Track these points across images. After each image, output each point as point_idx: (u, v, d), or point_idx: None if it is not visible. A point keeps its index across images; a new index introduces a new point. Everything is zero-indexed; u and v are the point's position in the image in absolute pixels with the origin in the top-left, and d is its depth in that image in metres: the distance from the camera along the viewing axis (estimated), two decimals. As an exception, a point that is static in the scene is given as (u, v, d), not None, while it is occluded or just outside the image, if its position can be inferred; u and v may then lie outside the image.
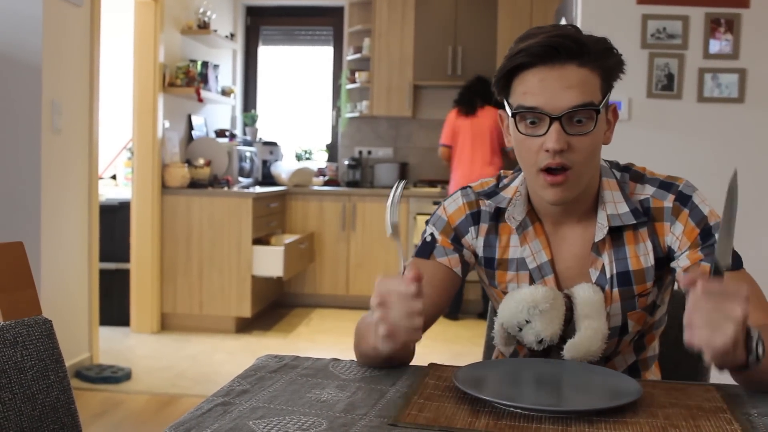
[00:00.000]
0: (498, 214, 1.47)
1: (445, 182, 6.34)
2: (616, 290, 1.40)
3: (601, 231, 1.39)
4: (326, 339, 5.12)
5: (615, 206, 1.40)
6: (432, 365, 1.34)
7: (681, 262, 1.37)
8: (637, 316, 1.43)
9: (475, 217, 1.49)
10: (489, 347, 1.82)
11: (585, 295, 1.38)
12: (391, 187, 5.04)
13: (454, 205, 1.50)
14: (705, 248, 1.36)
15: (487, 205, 1.48)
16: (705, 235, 1.36)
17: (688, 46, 3.58)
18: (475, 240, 1.49)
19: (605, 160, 1.45)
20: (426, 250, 1.48)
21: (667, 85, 3.60)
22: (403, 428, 1.03)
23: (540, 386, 1.24)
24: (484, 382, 1.20)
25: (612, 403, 1.11)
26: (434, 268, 1.46)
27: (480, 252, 1.49)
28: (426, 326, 1.40)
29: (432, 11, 6.26)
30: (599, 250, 1.41)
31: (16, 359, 1.11)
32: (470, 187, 1.52)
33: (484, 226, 1.48)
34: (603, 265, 1.41)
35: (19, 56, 3.59)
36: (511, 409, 1.09)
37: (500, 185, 1.51)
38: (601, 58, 1.31)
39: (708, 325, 1.02)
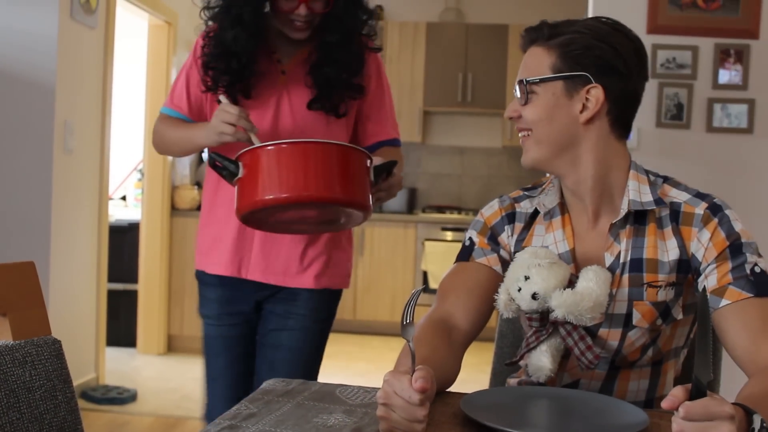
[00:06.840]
0: (534, 216, 1.52)
1: (453, 208, 6.34)
2: (626, 276, 1.41)
3: (621, 213, 1.41)
4: (333, 364, 5.08)
5: (639, 195, 1.42)
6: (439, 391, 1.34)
7: (709, 282, 1.36)
8: (643, 309, 1.40)
9: (510, 218, 1.54)
10: (495, 375, 1.82)
11: (591, 268, 1.37)
12: (400, 213, 5.02)
13: (491, 210, 1.57)
14: (735, 270, 1.35)
15: (522, 207, 1.54)
16: (735, 251, 1.36)
17: (698, 76, 3.59)
18: (510, 238, 1.53)
19: (642, 168, 1.48)
20: (465, 253, 1.54)
21: (676, 115, 3.61)
22: (409, 455, 1.03)
23: (547, 414, 1.24)
24: (491, 410, 1.20)
25: (619, 433, 1.10)
26: (475, 270, 1.51)
27: (513, 249, 1.53)
28: (472, 337, 1.46)
29: (443, 38, 6.30)
30: (619, 237, 1.42)
31: (24, 379, 1.11)
32: (507, 195, 1.59)
33: (519, 225, 1.53)
34: (619, 252, 1.42)
35: (33, 77, 3.63)
36: (518, 437, 1.09)
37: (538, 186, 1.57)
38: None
39: None
